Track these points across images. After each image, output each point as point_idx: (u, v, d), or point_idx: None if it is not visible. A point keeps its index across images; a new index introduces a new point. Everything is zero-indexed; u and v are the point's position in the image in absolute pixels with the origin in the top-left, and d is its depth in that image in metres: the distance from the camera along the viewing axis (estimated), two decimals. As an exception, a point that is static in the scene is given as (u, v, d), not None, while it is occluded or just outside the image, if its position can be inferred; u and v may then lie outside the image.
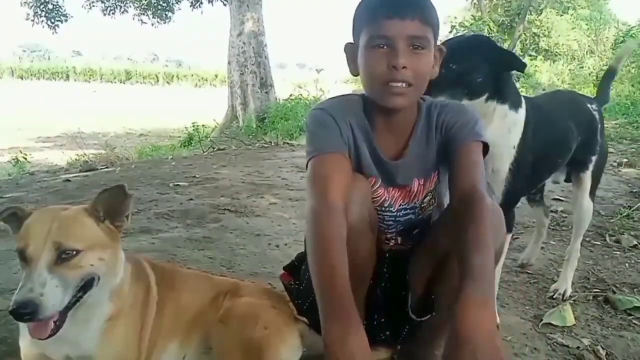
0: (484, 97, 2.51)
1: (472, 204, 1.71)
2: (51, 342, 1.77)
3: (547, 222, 3.73)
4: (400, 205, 2.13)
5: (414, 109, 2.03)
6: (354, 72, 1.98)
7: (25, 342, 1.85)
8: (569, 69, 25.58)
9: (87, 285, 1.71)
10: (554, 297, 3.22)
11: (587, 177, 3.17)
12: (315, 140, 1.96)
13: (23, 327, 1.85)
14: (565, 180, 3.34)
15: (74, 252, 1.66)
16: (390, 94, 1.85)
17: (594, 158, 3.14)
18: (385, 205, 2.11)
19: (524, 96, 2.76)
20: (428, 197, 2.15)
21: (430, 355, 2.29)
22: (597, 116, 3.12)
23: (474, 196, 1.74)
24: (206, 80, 50.01)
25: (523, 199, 5.30)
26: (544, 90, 17.80)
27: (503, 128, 2.58)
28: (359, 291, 2.03)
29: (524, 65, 2.53)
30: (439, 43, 1.99)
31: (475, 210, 1.69)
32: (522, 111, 2.64)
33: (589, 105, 3.14)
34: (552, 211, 4.81)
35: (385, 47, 1.81)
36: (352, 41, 1.97)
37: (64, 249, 1.64)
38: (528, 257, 3.71)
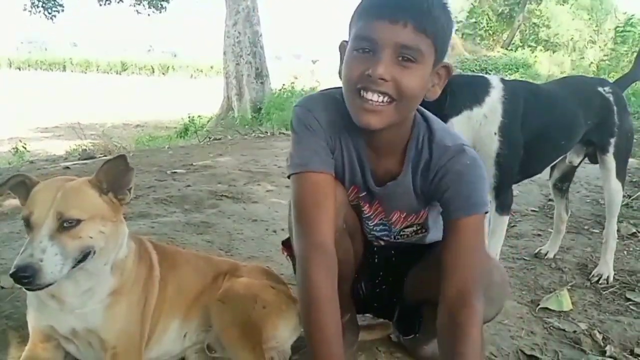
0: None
1: (462, 316, 1.59)
2: (57, 316, 1.81)
3: (566, 218, 3.69)
4: (379, 220, 2.03)
5: (402, 130, 1.78)
6: (340, 75, 1.72)
7: (33, 316, 1.87)
8: (570, 60, 25.41)
9: (83, 257, 1.71)
10: (599, 282, 3.24)
11: (609, 159, 3.15)
12: (299, 151, 1.78)
13: (30, 301, 1.87)
14: (592, 162, 3.33)
15: (75, 222, 1.66)
16: (363, 109, 1.61)
17: (612, 140, 3.11)
18: (364, 216, 2.02)
19: (505, 80, 2.80)
20: (412, 229, 2.03)
21: (420, 350, 2.33)
22: (611, 98, 3.08)
23: (464, 308, 1.60)
24: (201, 71, 49.65)
25: (525, 187, 5.38)
26: (544, 81, 17.69)
27: (473, 127, 2.64)
28: (342, 287, 2.00)
29: None
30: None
31: (465, 329, 1.57)
32: (490, 98, 2.67)
33: (600, 89, 3.11)
34: (550, 200, 4.83)
35: (369, 51, 1.57)
36: (347, 39, 1.70)
37: (66, 218, 1.64)
38: (547, 250, 3.69)
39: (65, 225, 1.64)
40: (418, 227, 2.01)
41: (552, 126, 2.88)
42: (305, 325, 1.69)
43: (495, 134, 2.64)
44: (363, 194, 1.92)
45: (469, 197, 1.69)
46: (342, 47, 1.72)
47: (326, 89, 1.93)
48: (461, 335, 1.56)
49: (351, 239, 2.03)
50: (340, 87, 1.75)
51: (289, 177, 1.81)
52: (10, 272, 1.55)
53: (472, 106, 2.64)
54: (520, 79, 18.35)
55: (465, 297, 1.61)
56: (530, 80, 17.03)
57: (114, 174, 1.78)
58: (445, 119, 2.41)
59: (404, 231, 2.02)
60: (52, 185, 1.72)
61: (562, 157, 3.23)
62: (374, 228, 2.06)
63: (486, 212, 1.73)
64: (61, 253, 1.61)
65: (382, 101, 1.58)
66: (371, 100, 1.58)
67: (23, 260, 1.55)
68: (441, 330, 1.65)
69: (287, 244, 2.38)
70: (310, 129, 1.77)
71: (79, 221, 1.66)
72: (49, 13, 17.83)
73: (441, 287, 1.66)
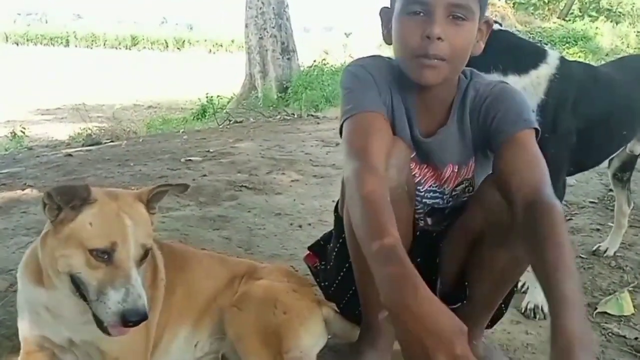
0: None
1: (543, 215, 1.61)
2: (52, 326, 1.82)
3: (628, 211, 3.65)
4: (429, 187, 2.14)
5: (451, 86, 2.00)
6: (387, 40, 1.99)
7: (25, 325, 1.89)
8: (635, 32, 24.95)
9: None
10: None
11: None
12: (352, 98, 1.93)
13: (21, 310, 1.90)
14: None
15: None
16: (422, 66, 1.82)
17: None
18: (414, 182, 2.10)
19: (565, 59, 2.79)
20: (462, 185, 2.15)
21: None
22: None
23: (543, 205, 1.64)
24: (221, 45, 49.86)
25: (583, 176, 5.32)
26: (606, 55, 17.42)
27: None
28: None
29: None
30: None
31: (549, 225, 1.59)
32: (536, 72, 2.68)
33: None
34: (610, 190, 4.76)
35: (421, 14, 1.78)
36: (388, 5, 1.96)
37: (147, 249, 1.73)
38: (607, 246, 3.65)
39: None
40: (467, 184, 2.15)
41: (611, 114, 2.86)
42: (363, 238, 1.60)
43: (533, 111, 2.61)
44: (413, 154, 2.05)
45: (520, 113, 1.91)
46: (384, 12, 1.99)
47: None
48: (550, 237, 1.58)
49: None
50: (388, 57, 2.08)
51: (340, 132, 1.94)
52: (121, 316, 1.59)
53: (507, 71, 2.67)
54: (579, 59, 18.09)
55: (541, 197, 1.67)
56: (590, 56, 16.79)
57: (163, 194, 1.89)
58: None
59: (455, 190, 2.15)
60: (112, 209, 1.71)
61: (623, 147, 3.19)
62: (425, 195, 2.16)
63: (537, 130, 1.89)
64: (143, 284, 1.70)
65: (438, 59, 1.80)
66: (429, 58, 1.79)
67: (135, 303, 1.61)
68: (523, 234, 1.69)
69: (314, 250, 2.39)
70: (363, 81, 1.96)
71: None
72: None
73: (511, 196, 1.75)
